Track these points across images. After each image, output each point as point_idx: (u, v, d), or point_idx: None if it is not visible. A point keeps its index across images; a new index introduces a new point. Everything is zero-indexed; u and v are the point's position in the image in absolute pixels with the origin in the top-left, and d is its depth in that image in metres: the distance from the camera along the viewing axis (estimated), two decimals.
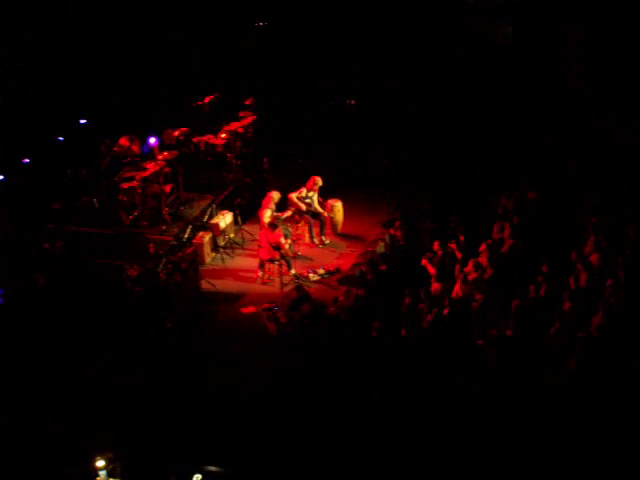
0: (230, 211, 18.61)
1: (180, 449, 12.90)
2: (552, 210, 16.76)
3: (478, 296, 14.53)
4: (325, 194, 18.59)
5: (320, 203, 18.37)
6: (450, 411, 12.86)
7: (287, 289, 16.54)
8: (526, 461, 12.07)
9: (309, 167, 19.11)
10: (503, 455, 12.16)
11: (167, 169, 18.06)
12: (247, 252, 18.30)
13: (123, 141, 18.36)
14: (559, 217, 16.58)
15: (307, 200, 18.19)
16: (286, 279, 16.80)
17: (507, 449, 12.20)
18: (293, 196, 18.19)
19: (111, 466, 12.05)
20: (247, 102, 20.37)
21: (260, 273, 17.31)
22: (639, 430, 12.11)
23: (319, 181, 18.19)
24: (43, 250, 17.02)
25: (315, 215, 18.30)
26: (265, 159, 19.86)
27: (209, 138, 19.38)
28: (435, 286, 15.35)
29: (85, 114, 20.25)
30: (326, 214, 18.41)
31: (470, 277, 14.97)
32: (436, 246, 15.81)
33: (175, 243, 17.40)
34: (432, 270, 15.52)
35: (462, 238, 15.98)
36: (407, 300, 14.67)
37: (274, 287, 16.84)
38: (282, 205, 18.12)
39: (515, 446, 12.23)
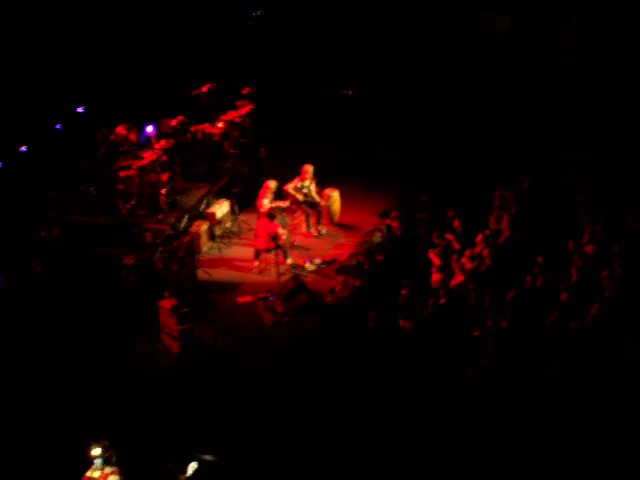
0: (227, 200, 18.61)
1: (176, 437, 12.92)
2: (550, 201, 16.76)
3: (475, 286, 14.54)
4: (322, 184, 18.58)
5: (317, 192, 18.36)
6: (447, 401, 12.88)
7: (284, 279, 16.54)
8: (522, 452, 12.10)
9: (305, 157, 19.07)
10: (500, 447, 12.19)
11: (164, 158, 18.08)
12: (244, 241, 18.28)
13: (120, 130, 18.41)
14: (556, 208, 16.57)
15: (304, 190, 18.14)
16: (283, 269, 16.80)
17: (504, 440, 12.23)
18: (289, 187, 18.13)
19: (107, 454, 12.05)
20: (244, 91, 20.33)
21: (256, 263, 17.30)
22: (636, 422, 12.15)
23: (310, 169, 18.17)
24: (40, 238, 17.01)
25: (312, 205, 18.27)
26: (262, 149, 19.85)
27: (206, 127, 19.35)
28: (436, 276, 15.36)
29: (82, 102, 20.22)
30: (323, 203, 18.38)
31: (467, 267, 14.98)
32: (435, 238, 15.81)
33: (172, 232, 17.40)
34: (437, 261, 15.51)
35: (459, 229, 15.98)
36: (404, 290, 14.68)
37: (270, 277, 16.83)
38: (279, 195, 18.09)
39: (512, 437, 12.26)
